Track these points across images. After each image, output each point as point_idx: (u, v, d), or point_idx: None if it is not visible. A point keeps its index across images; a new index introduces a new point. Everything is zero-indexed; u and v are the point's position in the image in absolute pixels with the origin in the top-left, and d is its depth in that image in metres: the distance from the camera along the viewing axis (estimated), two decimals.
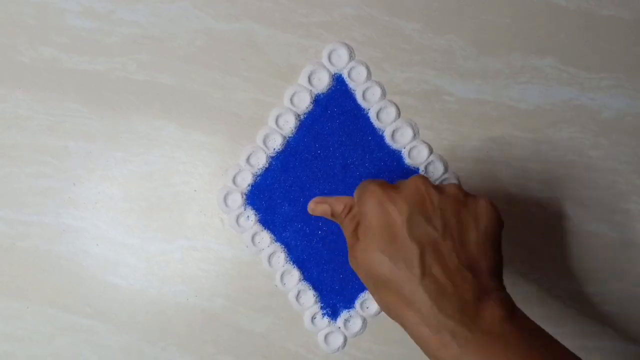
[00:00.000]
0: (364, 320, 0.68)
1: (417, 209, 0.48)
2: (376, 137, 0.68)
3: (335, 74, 0.68)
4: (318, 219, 0.68)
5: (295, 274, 0.68)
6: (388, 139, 0.68)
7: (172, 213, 0.68)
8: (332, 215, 0.57)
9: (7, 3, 0.68)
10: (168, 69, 0.68)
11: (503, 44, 0.68)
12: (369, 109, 0.68)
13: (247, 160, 0.67)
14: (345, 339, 0.68)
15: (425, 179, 0.51)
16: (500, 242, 0.50)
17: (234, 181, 0.68)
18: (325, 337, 0.68)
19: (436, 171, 0.68)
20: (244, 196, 0.68)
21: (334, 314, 0.68)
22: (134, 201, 0.68)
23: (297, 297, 0.68)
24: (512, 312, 0.47)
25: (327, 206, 0.57)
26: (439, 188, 0.50)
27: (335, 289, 0.68)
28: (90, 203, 0.68)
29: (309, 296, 0.68)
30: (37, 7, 0.68)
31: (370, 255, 0.48)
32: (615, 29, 0.69)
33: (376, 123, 0.68)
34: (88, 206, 0.68)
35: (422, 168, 0.68)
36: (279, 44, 0.68)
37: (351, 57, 0.68)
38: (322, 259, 0.68)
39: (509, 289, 0.67)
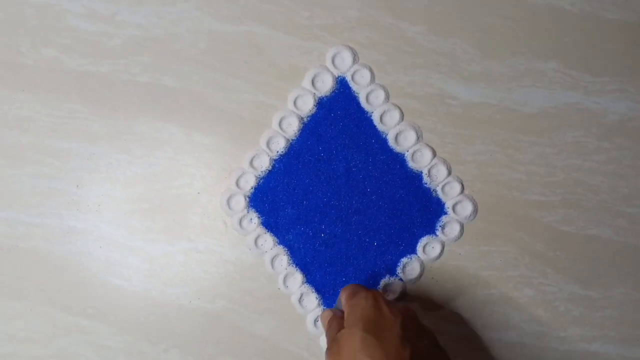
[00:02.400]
0: None
1: (409, 321, 0.55)
2: (379, 140, 0.68)
3: (338, 77, 0.68)
4: (321, 221, 0.68)
5: (298, 276, 0.68)
6: (391, 142, 0.68)
7: (174, 215, 0.68)
8: (330, 321, 0.60)
9: (9, 4, 0.68)
10: (171, 71, 0.68)
11: (507, 48, 0.68)
12: (372, 112, 0.68)
13: (251, 163, 0.67)
14: None
15: (414, 314, 0.58)
16: None
17: (237, 184, 0.68)
18: None
19: (439, 174, 0.68)
20: (247, 199, 0.68)
21: None
22: (137, 203, 0.68)
23: (300, 299, 0.68)
24: None
25: (331, 313, 0.61)
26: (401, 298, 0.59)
27: (338, 292, 0.68)
28: (94, 205, 0.68)
29: (312, 299, 0.68)
30: (39, 8, 0.68)
31: (361, 336, 0.52)
32: (619, 33, 0.69)
33: (380, 126, 0.68)
34: (91, 208, 0.68)
35: (425, 171, 0.68)
36: (281, 46, 0.68)
37: (355, 60, 0.68)
38: (325, 261, 0.68)
39: (511, 293, 0.68)
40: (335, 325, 0.57)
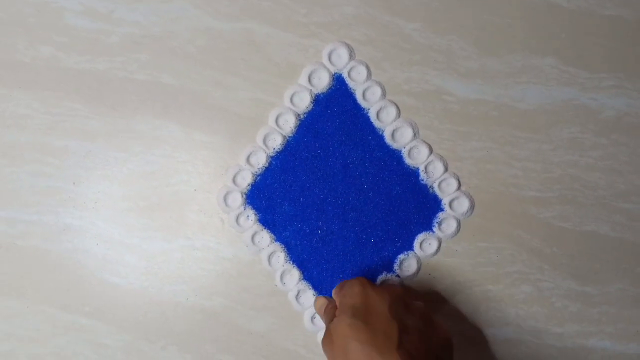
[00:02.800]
0: None
1: (397, 301, 0.57)
2: (376, 136, 0.68)
3: (335, 73, 0.68)
4: (318, 218, 0.68)
5: (295, 273, 0.68)
6: (388, 139, 0.68)
7: (172, 212, 0.68)
8: (324, 310, 0.63)
9: (7, 3, 0.68)
10: (168, 69, 0.68)
11: (503, 44, 0.68)
12: (369, 109, 0.68)
13: (247, 159, 0.67)
14: None
15: (405, 290, 0.60)
16: None
17: (234, 181, 0.68)
18: None
19: (436, 171, 0.68)
20: (244, 196, 0.68)
21: None
22: (134, 200, 0.68)
23: (297, 296, 0.68)
24: None
25: (326, 301, 0.64)
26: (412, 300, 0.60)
27: None
28: (90, 202, 0.68)
29: (309, 296, 0.68)
30: (37, 6, 0.68)
31: (349, 322, 0.54)
32: (616, 29, 0.69)
33: (376, 123, 0.68)
34: (88, 205, 0.68)
35: (422, 168, 0.68)
36: (279, 43, 0.68)
37: (351, 56, 0.68)
38: (322, 258, 0.68)
39: (508, 289, 0.68)
40: (330, 315, 0.59)
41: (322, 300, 0.64)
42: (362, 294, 0.58)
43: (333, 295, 0.62)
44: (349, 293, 0.58)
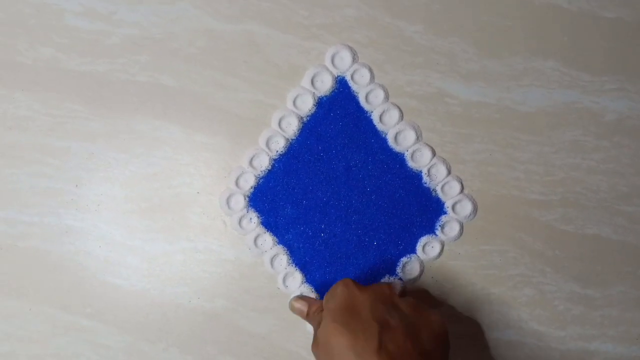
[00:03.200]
0: None
1: (380, 300, 0.57)
2: (379, 139, 0.68)
3: (338, 76, 0.68)
4: (321, 221, 0.68)
5: (297, 276, 0.68)
6: (391, 142, 0.68)
7: (174, 214, 0.68)
8: (307, 314, 0.63)
9: (7, 4, 0.68)
10: (169, 70, 0.68)
11: (505, 46, 0.68)
12: (372, 112, 0.68)
13: (250, 162, 0.67)
14: None
15: (391, 288, 0.60)
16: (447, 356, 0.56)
17: (236, 183, 0.68)
18: None
19: (439, 174, 0.68)
20: (247, 198, 0.68)
21: None
22: (136, 202, 0.68)
23: None
24: None
25: (305, 304, 0.63)
26: (401, 296, 0.60)
27: None
28: (93, 205, 0.68)
29: None
30: (37, 7, 0.68)
31: (331, 327, 0.54)
32: (617, 31, 0.69)
33: (379, 126, 0.68)
34: (90, 207, 0.68)
35: (425, 171, 0.68)
36: (280, 45, 0.68)
37: (354, 59, 0.68)
38: (324, 261, 0.68)
39: (511, 292, 0.68)
40: (317, 319, 0.59)
41: (300, 304, 0.64)
42: (344, 296, 0.57)
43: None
44: (332, 295, 0.59)
